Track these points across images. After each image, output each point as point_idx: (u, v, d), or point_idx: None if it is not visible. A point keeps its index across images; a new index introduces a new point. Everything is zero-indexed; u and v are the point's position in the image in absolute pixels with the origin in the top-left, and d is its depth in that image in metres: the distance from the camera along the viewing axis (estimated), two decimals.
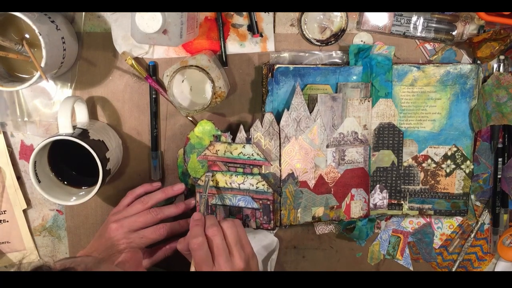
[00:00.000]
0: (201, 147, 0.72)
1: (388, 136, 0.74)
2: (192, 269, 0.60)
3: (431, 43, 0.73)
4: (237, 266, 0.60)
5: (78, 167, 0.73)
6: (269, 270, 0.76)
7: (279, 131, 0.71)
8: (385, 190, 0.76)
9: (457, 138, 0.74)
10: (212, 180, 0.72)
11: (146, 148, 0.76)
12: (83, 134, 0.67)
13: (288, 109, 0.70)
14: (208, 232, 0.61)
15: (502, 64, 0.73)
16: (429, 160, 0.75)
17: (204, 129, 0.71)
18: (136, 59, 0.72)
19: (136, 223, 0.68)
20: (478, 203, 0.79)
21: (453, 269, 0.81)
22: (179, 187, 0.74)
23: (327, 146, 0.72)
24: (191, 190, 0.75)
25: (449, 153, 0.74)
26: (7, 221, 0.78)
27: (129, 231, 0.67)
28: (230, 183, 0.71)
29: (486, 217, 0.79)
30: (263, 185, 0.71)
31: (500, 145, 0.75)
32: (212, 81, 0.65)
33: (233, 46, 0.72)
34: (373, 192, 0.76)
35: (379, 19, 0.71)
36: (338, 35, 0.72)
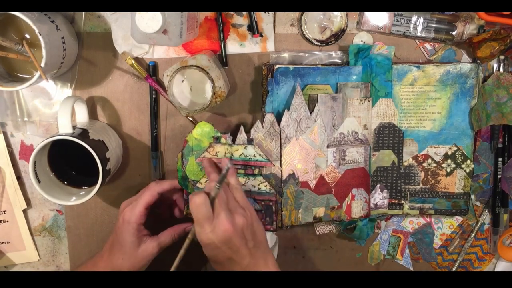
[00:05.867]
0: (200, 150, 0.71)
1: (388, 136, 0.74)
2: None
3: (431, 43, 0.73)
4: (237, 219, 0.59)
5: (78, 167, 0.73)
6: None
7: (280, 131, 0.70)
8: (386, 190, 0.76)
9: (457, 137, 0.74)
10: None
11: (146, 148, 0.76)
12: (83, 134, 0.67)
13: (288, 110, 0.70)
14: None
15: (502, 64, 0.73)
16: (430, 160, 0.75)
17: (203, 131, 0.70)
18: (136, 59, 0.72)
19: (139, 206, 0.66)
20: (478, 203, 0.79)
21: (453, 269, 0.81)
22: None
23: (328, 146, 0.72)
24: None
25: (449, 153, 0.74)
26: (7, 221, 0.78)
27: (138, 224, 0.66)
28: None
29: (486, 217, 0.79)
30: (265, 186, 0.70)
31: (500, 145, 0.75)
32: (212, 81, 0.65)
33: (233, 46, 0.72)
34: (373, 192, 0.75)
35: (379, 19, 0.71)
36: (338, 35, 0.72)
